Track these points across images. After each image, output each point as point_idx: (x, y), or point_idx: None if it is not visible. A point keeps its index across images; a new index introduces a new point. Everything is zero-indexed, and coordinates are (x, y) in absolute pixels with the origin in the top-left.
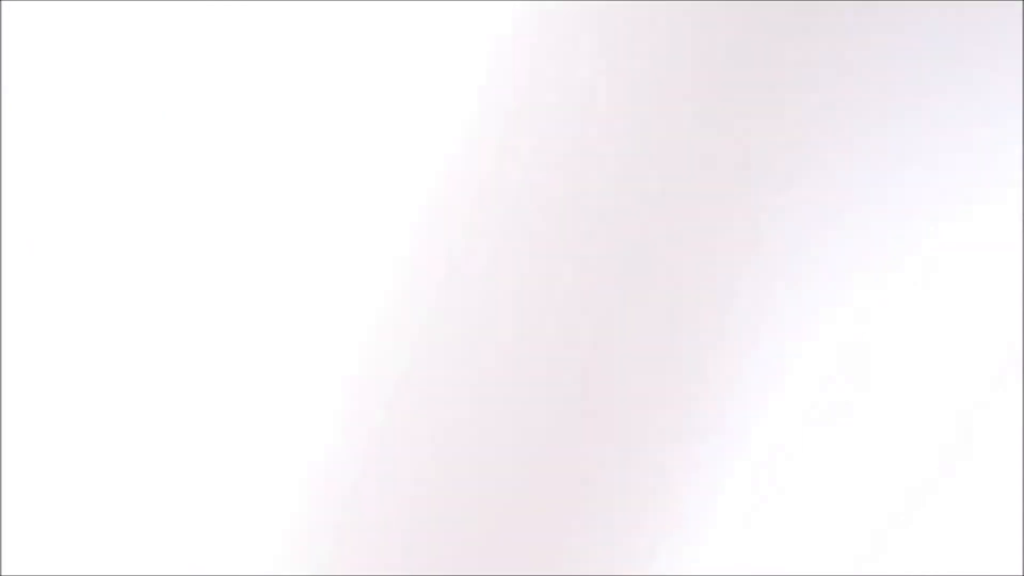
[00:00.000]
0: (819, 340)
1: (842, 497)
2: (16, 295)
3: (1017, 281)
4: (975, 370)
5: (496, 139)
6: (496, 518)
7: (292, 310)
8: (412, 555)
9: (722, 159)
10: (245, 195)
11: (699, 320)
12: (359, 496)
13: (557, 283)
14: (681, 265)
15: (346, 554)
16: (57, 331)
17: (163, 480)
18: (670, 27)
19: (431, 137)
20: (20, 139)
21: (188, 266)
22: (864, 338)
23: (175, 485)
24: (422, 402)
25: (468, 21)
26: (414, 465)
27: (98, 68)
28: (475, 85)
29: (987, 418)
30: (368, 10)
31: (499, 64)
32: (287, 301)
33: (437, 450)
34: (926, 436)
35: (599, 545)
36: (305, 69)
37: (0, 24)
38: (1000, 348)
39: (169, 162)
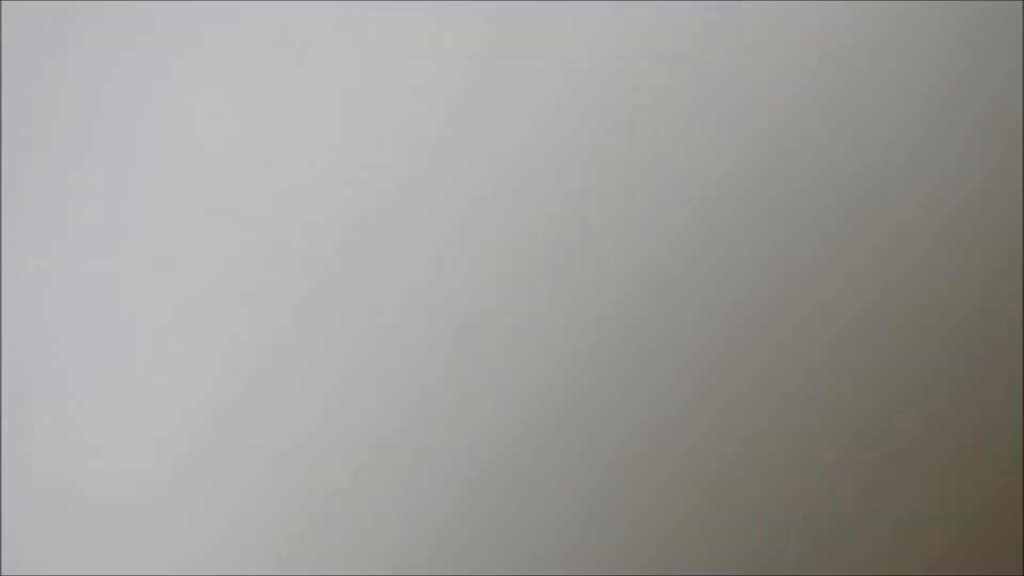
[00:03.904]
0: (813, 338)
1: (846, 499)
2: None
3: (1018, 281)
4: (976, 369)
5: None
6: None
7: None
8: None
9: (718, 157)
10: (246, 192)
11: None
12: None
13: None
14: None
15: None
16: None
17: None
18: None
19: (432, 134)
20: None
21: (180, 264)
22: (859, 337)
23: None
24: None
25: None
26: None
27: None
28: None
29: (989, 417)
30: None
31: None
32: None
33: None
34: (928, 435)
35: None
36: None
37: (0, 24)
38: (1001, 346)
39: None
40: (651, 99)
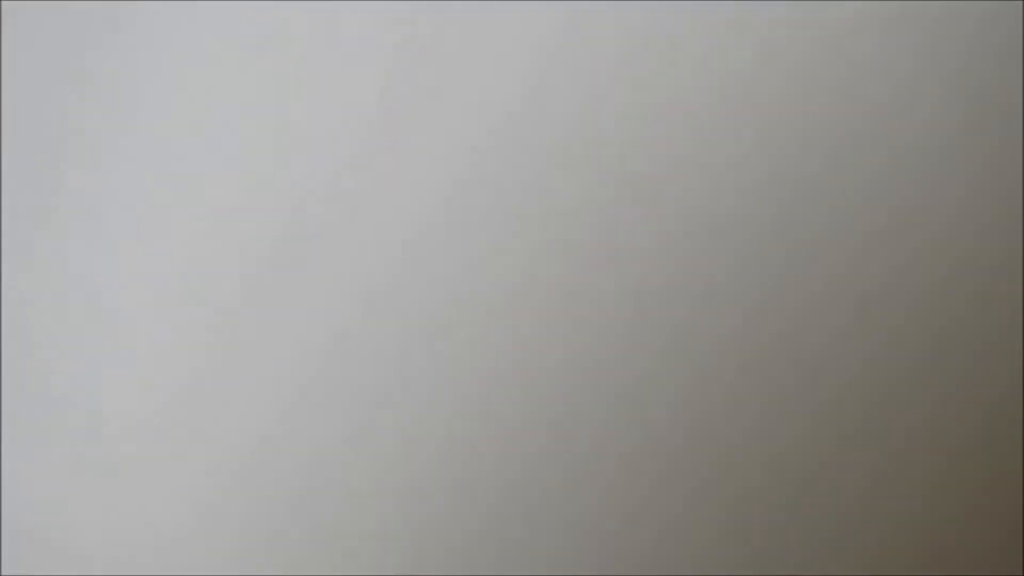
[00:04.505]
0: (821, 339)
1: (853, 497)
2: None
3: (1017, 281)
4: (976, 369)
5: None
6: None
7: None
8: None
9: (719, 155)
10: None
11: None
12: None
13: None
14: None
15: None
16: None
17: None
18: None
19: (436, 138)
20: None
21: (180, 264)
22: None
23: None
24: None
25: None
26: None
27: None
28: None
29: (989, 417)
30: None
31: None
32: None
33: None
34: (932, 435)
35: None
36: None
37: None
38: (1001, 346)
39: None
40: (647, 97)
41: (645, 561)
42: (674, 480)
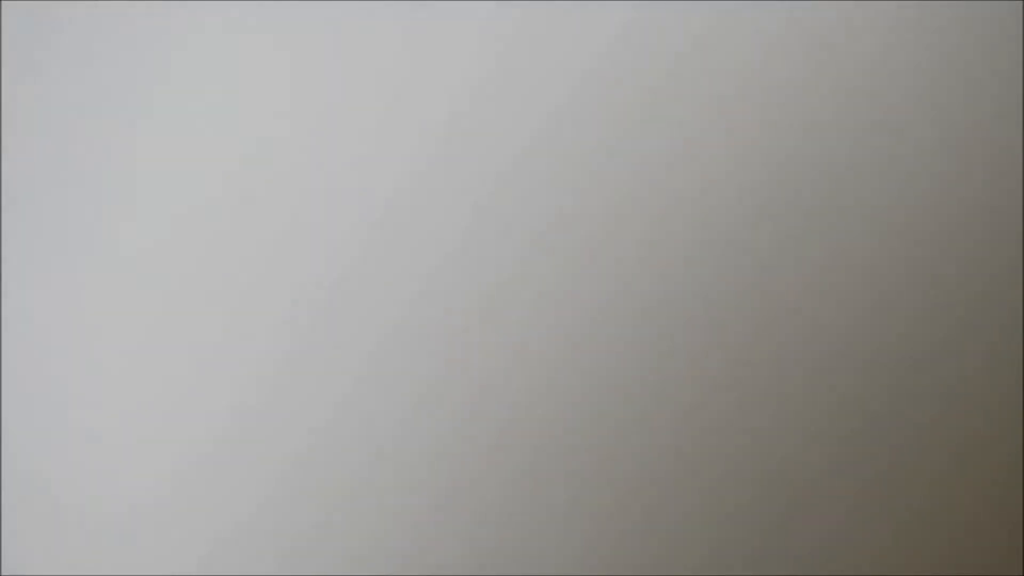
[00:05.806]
0: (818, 339)
1: (860, 498)
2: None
3: (1017, 281)
4: (976, 369)
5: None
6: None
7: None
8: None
9: (719, 156)
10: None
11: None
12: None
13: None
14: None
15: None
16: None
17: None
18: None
19: (426, 137)
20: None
21: (183, 264)
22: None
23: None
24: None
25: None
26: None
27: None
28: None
29: (988, 418)
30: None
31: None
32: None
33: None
34: (931, 435)
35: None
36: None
37: (0, 24)
38: (1001, 346)
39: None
40: (661, 101)
41: (650, 561)
42: (677, 480)
